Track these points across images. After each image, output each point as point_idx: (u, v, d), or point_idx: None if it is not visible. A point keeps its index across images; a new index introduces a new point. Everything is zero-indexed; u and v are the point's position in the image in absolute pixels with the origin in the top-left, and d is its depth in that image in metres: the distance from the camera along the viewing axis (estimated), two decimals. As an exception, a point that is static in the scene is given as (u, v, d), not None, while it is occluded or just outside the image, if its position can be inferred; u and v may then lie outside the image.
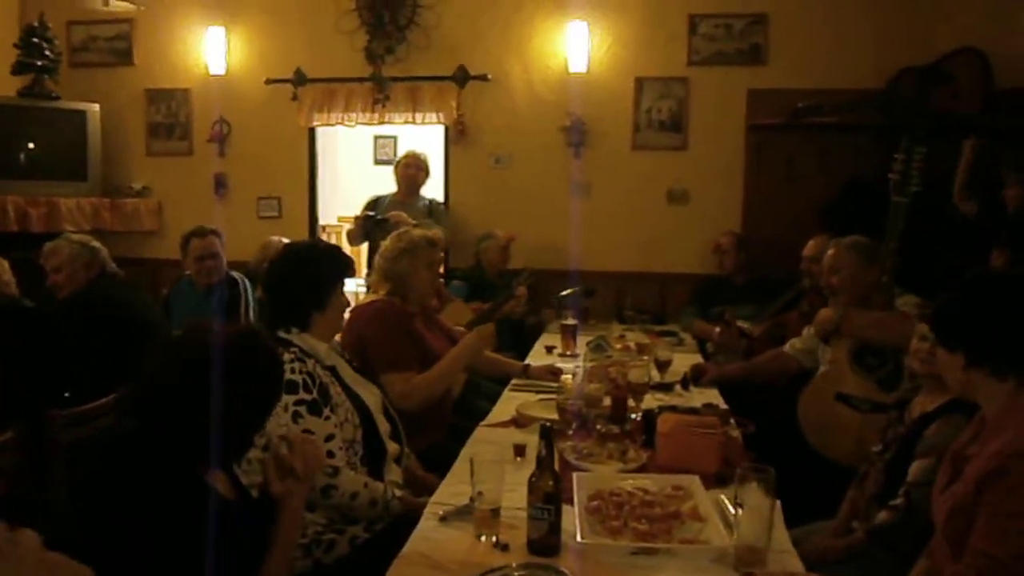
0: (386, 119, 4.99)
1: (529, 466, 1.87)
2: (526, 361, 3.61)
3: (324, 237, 5.42)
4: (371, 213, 4.61)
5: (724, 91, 4.79)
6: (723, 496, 1.99)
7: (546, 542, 1.69)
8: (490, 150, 5.01)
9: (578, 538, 1.71)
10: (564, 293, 4.26)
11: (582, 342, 3.93)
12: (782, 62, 4.73)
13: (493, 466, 1.82)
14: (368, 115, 4.99)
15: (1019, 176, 3.64)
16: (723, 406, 2.90)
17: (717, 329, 3.99)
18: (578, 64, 4.82)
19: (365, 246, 4.84)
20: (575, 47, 4.80)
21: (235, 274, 4.10)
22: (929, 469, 2.01)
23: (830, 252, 3.18)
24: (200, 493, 1.52)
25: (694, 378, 3.27)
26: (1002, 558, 1.41)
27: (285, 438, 1.73)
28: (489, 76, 4.92)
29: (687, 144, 4.88)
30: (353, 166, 7.40)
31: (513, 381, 3.27)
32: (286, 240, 4.46)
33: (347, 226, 6.12)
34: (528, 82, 4.93)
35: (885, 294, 2.92)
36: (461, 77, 4.92)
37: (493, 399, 3.44)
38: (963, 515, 1.53)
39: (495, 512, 1.77)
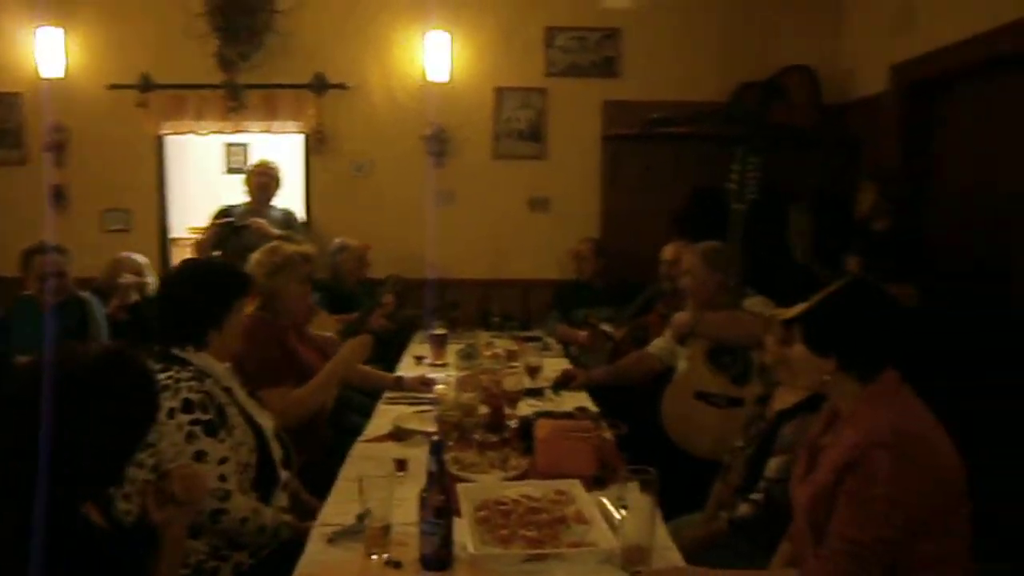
0: (241, 127, 4.81)
1: (411, 480, 1.88)
2: (397, 373, 3.60)
3: (175, 250, 5.15)
4: (229, 219, 4.44)
5: (581, 102, 4.95)
6: (603, 498, 2.06)
7: (438, 556, 1.69)
8: (351, 159, 4.94)
9: (470, 550, 1.73)
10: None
11: (451, 351, 3.96)
12: (635, 75, 4.93)
13: (381, 483, 1.81)
14: (222, 123, 4.79)
15: (877, 184, 3.92)
16: (594, 409, 3.00)
17: (583, 333, 4.11)
18: (438, 73, 4.84)
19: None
20: (434, 56, 4.82)
21: (83, 293, 3.85)
22: (785, 466, 2.16)
23: (684, 257, 3.35)
24: (71, 525, 1.43)
25: (563, 383, 3.36)
26: (863, 540, 1.54)
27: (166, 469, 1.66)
28: (348, 84, 4.85)
29: (547, 153, 5.00)
30: (203, 175, 7.07)
31: (386, 394, 3.25)
32: (138, 256, 4.23)
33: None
34: (388, 90, 4.90)
35: (733, 296, 3.11)
36: (319, 85, 4.83)
37: (365, 413, 3.41)
38: (824, 502, 1.66)
39: (386, 529, 1.77)
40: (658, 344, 3.44)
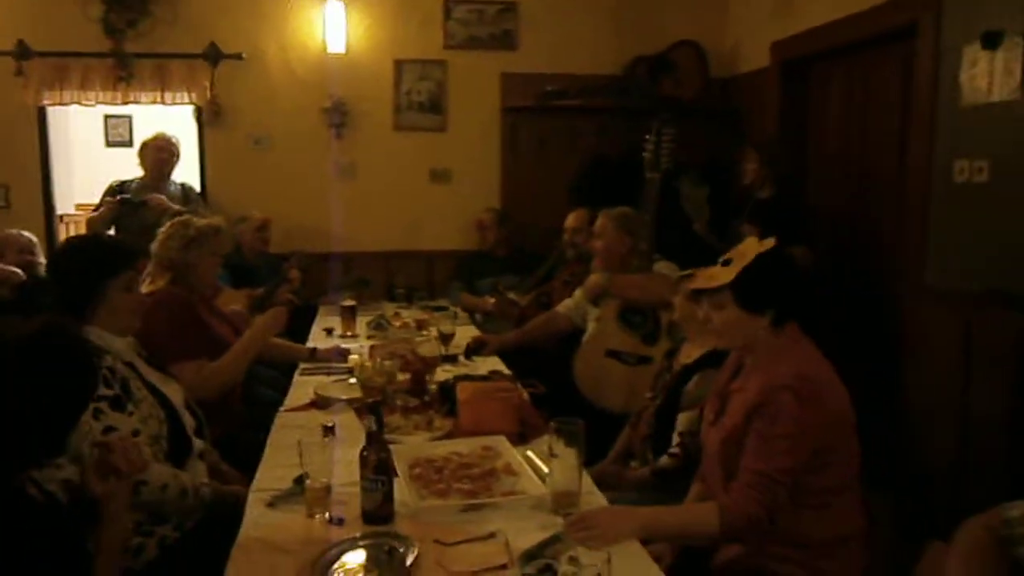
0: (130, 98, 4.63)
1: (340, 444, 1.95)
2: (308, 344, 3.62)
3: (63, 228, 4.93)
4: (126, 196, 4.30)
5: (479, 74, 5.02)
6: (529, 452, 2.20)
7: (381, 511, 1.78)
8: (248, 131, 4.84)
9: (410, 504, 1.83)
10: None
11: (361, 322, 4.00)
12: (532, 48, 5.03)
13: (319, 446, 1.88)
14: (110, 94, 4.60)
15: (759, 154, 4.17)
16: (507, 371, 3.13)
17: (491, 300, 4.22)
18: (336, 45, 4.80)
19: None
20: (332, 28, 4.77)
21: (-35, 274, 3.66)
22: (695, 419, 2.36)
23: (598, 220, 3.52)
24: (13, 502, 1.45)
25: (475, 349, 3.47)
26: (770, 472, 1.73)
27: (103, 442, 1.67)
28: (244, 55, 4.74)
29: (447, 125, 5.05)
30: (82, 149, 6.74)
31: (301, 366, 3.27)
32: (26, 233, 4.05)
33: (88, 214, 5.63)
34: (285, 61, 4.82)
35: (644, 259, 3.30)
36: (213, 55, 4.70)
37: (273, 386, 3.43)
38: (734, 443, 1.84)
39: (327, 489, 1.84)
40: (567, 304, 3.60)
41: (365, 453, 1.78)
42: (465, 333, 3.78)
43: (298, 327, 4.14)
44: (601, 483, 2.10)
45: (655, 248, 3.43)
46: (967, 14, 3.19)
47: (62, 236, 4.91)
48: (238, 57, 4.74)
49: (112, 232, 4.48)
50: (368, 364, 2.76)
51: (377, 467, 1.77)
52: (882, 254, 3.88)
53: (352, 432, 2.38)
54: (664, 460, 2.43)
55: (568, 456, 1.85)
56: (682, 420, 2.42)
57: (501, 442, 2.23)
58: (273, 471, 2.11)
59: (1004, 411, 2.98)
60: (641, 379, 3.17)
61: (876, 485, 2.03)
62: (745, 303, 1.91)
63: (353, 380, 2.91)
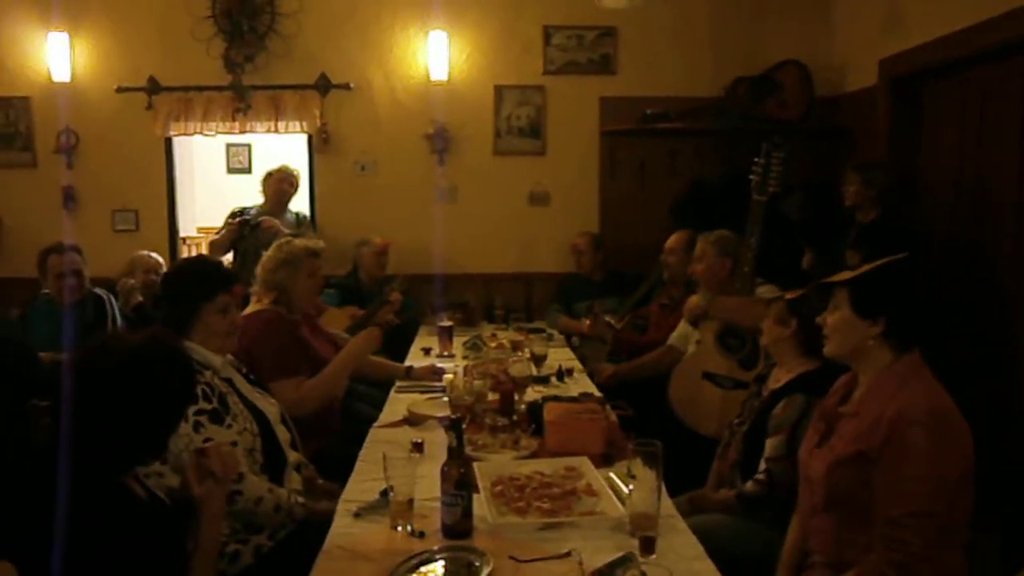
0: (247, 128, 4.92)
1: (428, 460, 2.00)
2: (406, 363, 3.72)
3: (185, 249, 5.26)
4: (246, 218, 4.56)
5: (578, 99, 5.06)
6: (612, 473, 2.19)
7: (460, 526, 1.82)
8: (355, 158, 5.05)
9: (489, 519, 1.86)
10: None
11: (458, 343, 4.08)
12: (630, 72, 5.05)
13: (404, 461, 1.94)
14: (228, 124, 4.90)
15: (860, 175, 4.04)
16: (597, 394, 3.13)
17: (587, 322, 4.23)
18: (439, 73, 4.95)
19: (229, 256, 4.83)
20: (435, 56, 4.93)
21: (99, 291, 3.97)
22: (782, 444, 2.32)
23: (698, 244, 3.50)
24: (121, 498, 1.57)
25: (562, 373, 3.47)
26: (903, 519, 1.69)
27: (200, 447, 1.79)
28: (351, 85, 4.96)
29: (546, 149, 5.12)
30: (206, 176, 7.19)
31: (398, 383, 3.37)
32: (154, 255, 4.36)
33: (210, 237, 5.99)
34: (390, 90, 5.01)
35: (745, 283, 3.25)
36: (323, 85, 4.94)
37: (371, 402, 3.54)
38: (843, 470, 1.80)
39: (410, 503, 1.89)
40: (676, 335, 3.59)
41: (446, 468, 1.83)
42: (557, 355, 3.80)
43: (398, 346, 4.27)
44: (693, 507, 2.08)
45: (757, 272, 3.38)
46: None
47: (183, 255, 5.23)
48: (346, 87, 4.96)
49: (231, 254, 4.77)
50: (459, 383, 2.81)
51: (457, 482, 1.81)
52: (1000, 284, 3.66)
53: (440, 448, 2.43)
54: (749, 486, 2.38)
55: (647, 478, 1.84)
56: (769, 446, 2.37)
57: (584, 463, 2.24)
58: (362, 484, 2.19)
59: None
60: (735, 404, 3.11)
61: (982, 526, 1.93)
62: (858, 305, 1.88)
63: (445, 399, 2.98)
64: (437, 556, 1.70)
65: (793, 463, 2.30)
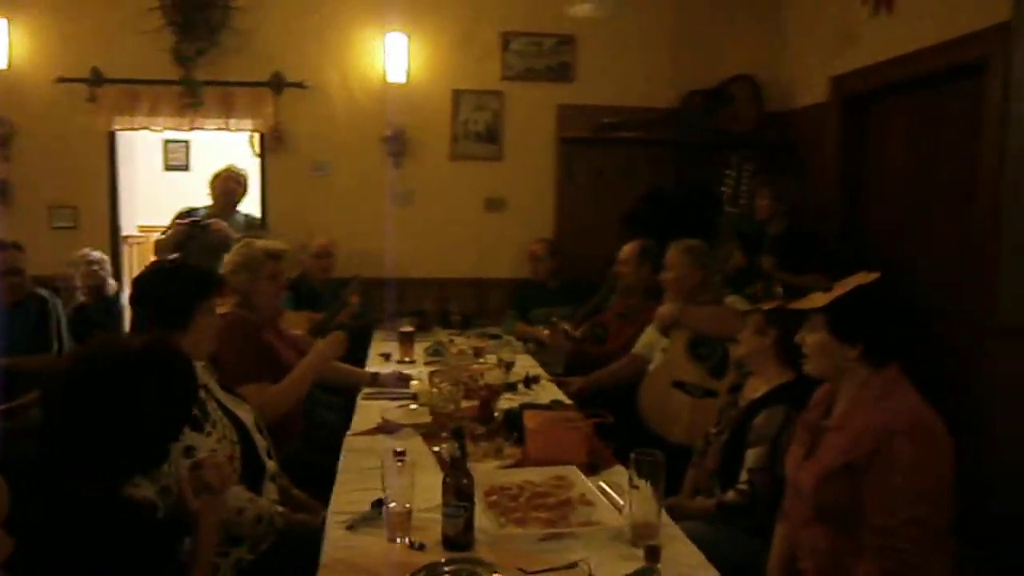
0: (197, 125, 4.76)
1: (412, 471, 1.96)
2: (366, 369, 3.66)
3: (127, 248, 5.05)
4: (195, 219, 4.41)
5: (536, 105, 5.07)
6: (602, 482, 2.19)
7: (462, 538, 1.78)
8: (309, 159, 4.94)
9: (492, 530, 1.83)
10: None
11: (418, 348, 4.03)
12: (588, 80, 5.08)
13: (401, 470, 1.89)
14: (177, 120, 4.73)
15: (771, 189, 4.24)
16: (567, 401, 3.13)
17: (546, 332, 4.23)
18: (397, 75, 4.89)
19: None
20: (393, 58, 4.87)
21: (43, 291, 3.77)
22: (763, 455, 2.36)
23: (669, 252, 3.52)
24: (122, 507, 1.50)
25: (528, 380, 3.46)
26: (893, 527, 1.72)
27: (196, 461, 1.72)
28: (307, 83, 4.86)
29: (503, 155, 5.11)
30: (142, 173, 6.92)
31: (364, 390, 3.30)
32: (96, 252, 4.18)
33: (154, 236, 5.77)
34: (347, 91, 4.93)
35: (716, 292, 3.29)
36: (277, 83, 4.82)
37: (331, 408, 3.48)
38: (832, 482, 1.83)
39: (408, 514, 1.85)
40: (642, 343, 3.61)
41: (448, 479, 1.79)
42: (521, 362, 3.79)
43: (352, 351, 4.19)
44: (670, 515, 2.09)
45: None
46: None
47: (126, 257, 5.02)
48: (301, 86, 4.85)
49: (176, 255, 4.60)
50: (435, 390, 2.77)
51: (460, 493, 1.78)
52: (945, 293, 3.82)
53: (422, 457, 2.40)
54: (731, 495, 2.41)
55: (647, 488, 1.85)
56: (750, 456, 2.40)
57: (573, 472, 2.23)
58: (348, 495, 2.13)
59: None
60: (704, 412, 3.15)
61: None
62: (836, 329, 1.91)
63: (415, 406, 2.94)
64: (445, 569, 1.66)
65: (774, 474, 2.35)
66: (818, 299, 1.98)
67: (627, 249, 4.22)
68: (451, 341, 4.25)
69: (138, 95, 4.70)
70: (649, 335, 3.61)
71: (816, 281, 3.88)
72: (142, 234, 5.55)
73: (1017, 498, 3.13)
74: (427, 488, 1.97)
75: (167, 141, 7.47)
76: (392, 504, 1.84)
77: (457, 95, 5.02)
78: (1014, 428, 3.22)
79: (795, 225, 4.28)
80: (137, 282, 2.30)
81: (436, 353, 3.93)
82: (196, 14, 4.65)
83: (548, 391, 3.36)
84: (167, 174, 7.46)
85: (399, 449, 2.40)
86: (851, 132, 4.53)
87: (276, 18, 4.81)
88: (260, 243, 3.11)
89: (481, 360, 3.76)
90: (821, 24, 4.71)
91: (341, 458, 2.47)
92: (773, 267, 3.99)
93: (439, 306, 4.93)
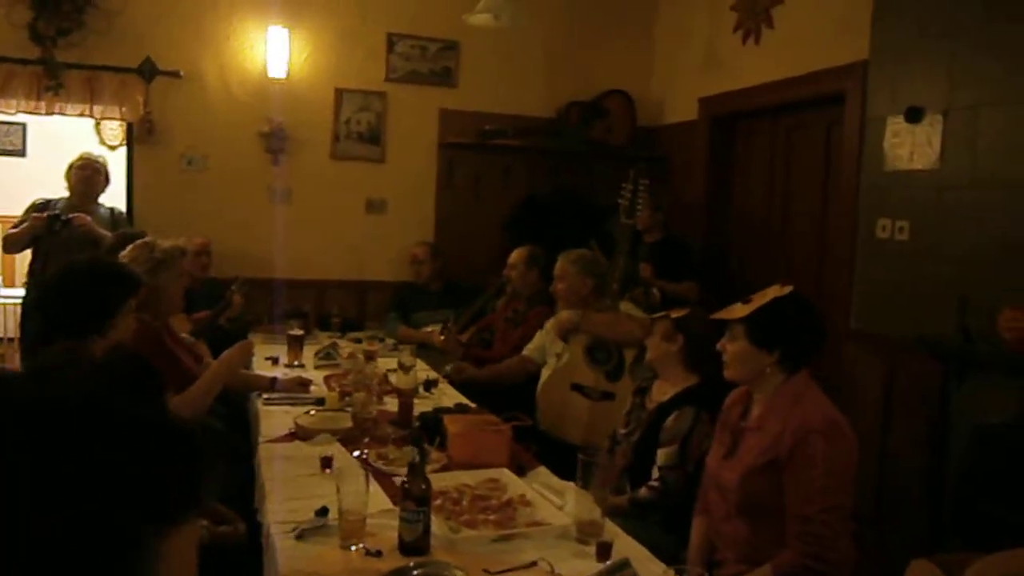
0: (56, 110, 4.39)
1: (366, 477, 1.96)
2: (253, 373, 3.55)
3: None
4: (55, 213, 4.08)
5: (419, 108, 5.08)
6: (535, 484, 2.27)
7: (420, 543, 1.81)
8: (181, 151, 4.69)
9: (448, 535, 1.87)
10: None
11: (307, 352, 3.95)
12: (470, 86, 5.14)
13: (356, 478, 1.89)
14: (33, 103, 4.35)
15: (651, 200, 4.51)
16: (472, 405, 3.19)
17: (440, 336, 4.25)
18: (277, 70, 4.74)
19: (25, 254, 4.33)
20: (274, 52, 4.72)
21: None
22: (674, 454, 2.52)
23: (558, 263, 3.64)
24: None
25: (431, 383, 3.49)
26: (814, 514, 1.90)
27: None
28: (181, 73, 4.61)
29: (385, 156, 5.07)
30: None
31: (264, 396, 3.20)
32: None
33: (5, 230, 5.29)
34: (224, 83, 4.72)
35: (614, 300, 3.45)
36: (148, 71, 4.55)
37: (219, 416, 3.35)
38: (755, 479, 2.00)
39: (363, 521, 1.85)
40: (531, 348, 3.70)
41: (407, 484, 1.82)
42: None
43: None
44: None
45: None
46: (891, 89, 3.55)
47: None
48: (175, 75, 4.60)
49: (30, 251, 4.26)
50: (360, 395, 2.75)
51: (419, 499, 1.80)
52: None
53: (346, 463, 2.39)
54: (643, 492, 2.55)
55: (593, 488, 1.95)
56: (661, 455, 2.56)
57: (504, 474, 2.30)
58: (284, 503, 2.09)
59: (920, 455, 3.30)
60: (602, 414, 3.31)
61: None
62: (754, 338, 2.09)
63: (314, 412, 2.89)
64: (414, 572, 1.68)
65: (685, 471, 2.52)
66: (738, 310, 2.16)
67: (516, 254, 4.32)
68: (333, 344, 4.17)
69: (-15, 73, 4.29)
70: (541, 338, 3.71)
71: (690, 289, 4.23)
72: (-14, 225, 5.08)
73: (869, 491, 3.50)
74: (360, 494, 1.97)
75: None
76: (345, 511, 1.83)
77: (340, 94, 4.94)
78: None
79: (669, 235, 4.56)
80: (45, 283, 2.15)
81: (328, 357, 3.86)
82: (58, -10, 4.31)
83: (449, 394, 3.41)
84: (-1, 159, 6.85)
85: (325, 455, 2.38)
86: (718, 148, 4.88)
87: (149, 1, 4.54)
88: (165, 241, 2.98)
89: (373, 363, 3.74)
90: (691, 47, 5.02)
91: (260, 466, 2.41)
92: (652, 275, 4.23)
93: (318, 308, 4.84)
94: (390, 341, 4.54)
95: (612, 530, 2.01)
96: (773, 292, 2.15)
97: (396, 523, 1.85)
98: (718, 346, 2.22)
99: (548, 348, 3.61)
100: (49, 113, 4.42)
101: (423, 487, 1.81)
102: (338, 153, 4.98)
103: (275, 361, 3.86)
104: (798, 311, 2.14)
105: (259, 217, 4.81)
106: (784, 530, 1.99)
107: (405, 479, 1.83)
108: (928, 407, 3.26)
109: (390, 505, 2.06)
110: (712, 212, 4.88)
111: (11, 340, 5.61)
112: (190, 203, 4.68)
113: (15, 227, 4.23)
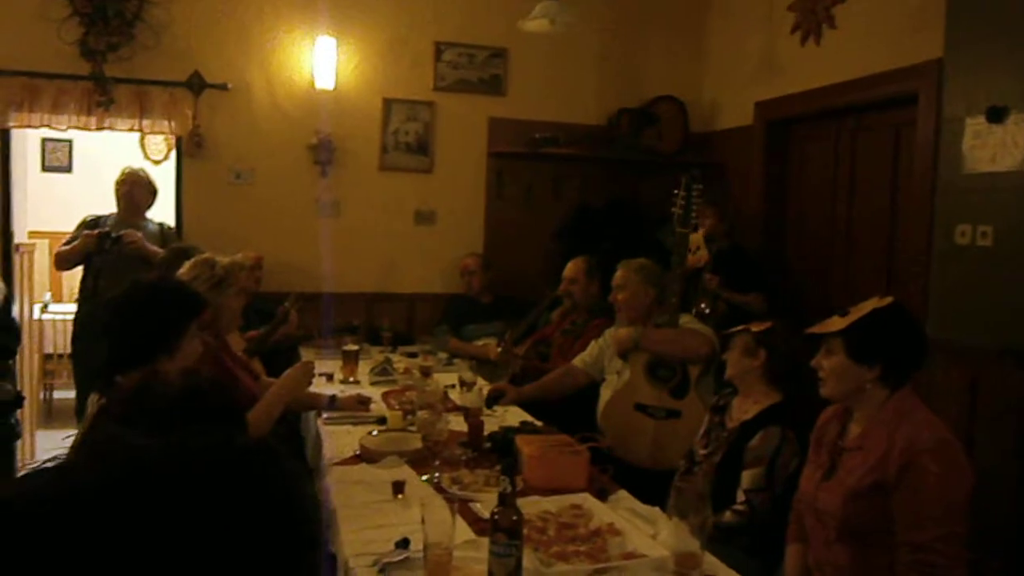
0: (106, 125, 4.36)
1: (452, 508, 1.86)
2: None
3: (17, 257, 4.56)
4: (106, 230, 4.05)
5: (467, 117, 4.99)
6: (620, 511, 2.15)
7: (512, 578, 1.70)
8: (229, 165, 4.64)
9: (537, 569, 1.75)
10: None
11: (362, 368, 3.86)
12: (519, 94, 5.04)
13: (440, 508, 1.78)
14: (84, 119, 4.32)
15: (715, 208, 4.40)
16: (538, 423, 3.07)
17: (497, 349, 4.15)
18: (325, 80, 4.68)
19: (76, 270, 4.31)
20: (322, 63, 4.66)
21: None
22: (760, 476, 2.38)
23: (618, 273, 3.51)
24: None
25: (495, 399, 3.39)
26: (927, 543, 1.76)
27: None
28: (229, 85, 4.57)
29: (433, 167, 4.99)
30: (17, 174, 6.33)
31: (325, 415, 3.11)
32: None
33: (40, 242, 5.28)
34: (272, 95, 4.67)
35: (673, 314, 3.31)
36: (197, 84, 4.51)
37: (279, 436, 3.27)
38: (859, 502, 1.86)
39: (450, 554, 1.74)
40: (583, 358, 3.57)
41: (497, 516, 1.70)
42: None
43: (279, 369, 3.97)
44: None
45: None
46: (970, 88, 3.39)
47: (17, 265, 4.54)
48: (223, 87, 4.56)
49: (82, 267, 4.23)
50: (425, 415, 2.65)
51: (511, 531, 1.69)
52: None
53: (418, 488, 2.28)
54: (728, 515, 2.42)
55: (690, 518, 1.82)
56: (747, 477, 2.43)
57: (587, 499, 2.18)
58: (359, 533, 1.99)
59: (1008, 467, 3.12)
60: (668, 433, 3.18)
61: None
62: (852, 352, 1.96)
63: (377, 432, 2.80)
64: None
65: (772, 494, 2.38)
66: (836, 323, 2.03)
67: (573, 267, 4.20)
68: (388, 359, 4.08)
69: (38, 89, 4.27)
70: (596, 350, 3.57)
71: (756, 300, 4.08)
72: (32, 240, 5.06)
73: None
74: (445, 525, 1.86)
75: (45, 139, 6.89)
76: (433, 543, 1.73)
77: (388, 104, 4.86)
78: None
79: (735, 244, 4.41)
80: (110, 306, 2.08)
81: (383, 372, 3.78)
82: (107, 5, 4.28)
83: (512, 413, 3.29)
84: (46, 175, 6.87)
85: (397, 480, 2.28)
86: (776, 154, 4.73)
87: (195, 14, 4.50)
88: (224, 257, 2.91)
89: (431, 379, 3.64)
90: (745, 50, 4.88)
91: (329, 491, 2.32)
92: (719, 285, 4.09)
93: (368, 322, 4.77)
94: (443, 355, 4.44)
95: (711, 561, 1.88)
96: (872, 303, 2.02)
97: (481, 555, 1.74)
98: (813, 362, 2.09)
99: (607, 364, 3.48)
100: (99, 129, 4.39)
101: (514, 518, 1.70)
102: (386, 164, 4.90)
103: (329, 378, 3.78)
104: (900, 323, 2.01)
105: (307, 230, 4.74)
106: (891, 557, 1.86)
107: (495, 510, 1.71)
108: (1018, 419, 3.09)
109: (471, 535, 1.95)
110: (770, 220, 4.73)
111: (61, 356, 5.59)
112: (238, 217, 4.63)
113: (66, 244, 4.20)
